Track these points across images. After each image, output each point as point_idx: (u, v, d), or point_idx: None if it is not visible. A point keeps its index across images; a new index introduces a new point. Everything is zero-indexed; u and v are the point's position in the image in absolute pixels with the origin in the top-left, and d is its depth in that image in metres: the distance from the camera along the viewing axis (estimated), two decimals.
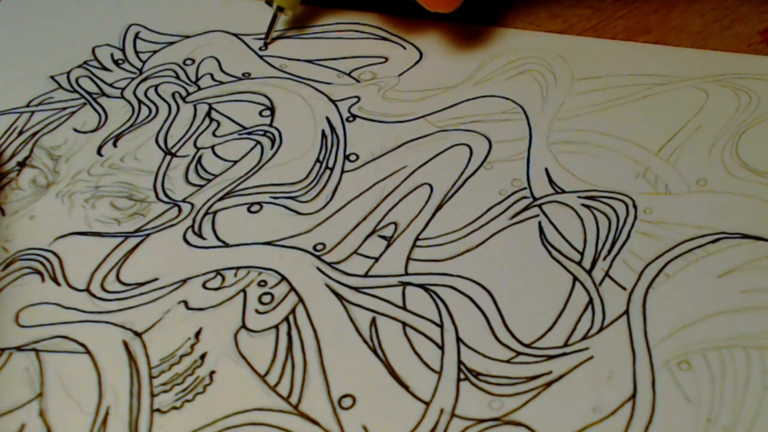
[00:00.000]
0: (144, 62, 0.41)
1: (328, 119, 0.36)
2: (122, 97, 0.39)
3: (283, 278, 0.30)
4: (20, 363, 0.28)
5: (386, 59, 0.39)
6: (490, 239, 0.31)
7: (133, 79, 0.40)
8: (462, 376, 0.26)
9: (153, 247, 0.32)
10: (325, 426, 0.26)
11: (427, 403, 0.26)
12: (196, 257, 0.31)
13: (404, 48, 0.40)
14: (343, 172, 0.34)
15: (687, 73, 0.36)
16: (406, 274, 0.30)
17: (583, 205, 0.31)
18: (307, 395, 0.27)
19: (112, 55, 0.41)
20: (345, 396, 0.26)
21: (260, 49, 0.40)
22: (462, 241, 0.31)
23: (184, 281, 0.30)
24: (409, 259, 0.30)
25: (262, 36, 0.41)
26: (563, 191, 0.32)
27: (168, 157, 0.35)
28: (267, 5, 0.40)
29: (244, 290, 0.30)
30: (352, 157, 0.34)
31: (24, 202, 0.34)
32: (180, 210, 0.33)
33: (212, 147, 0.36)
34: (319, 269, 0.30)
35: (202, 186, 0.34)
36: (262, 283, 0.30)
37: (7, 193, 0.34)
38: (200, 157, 0.35)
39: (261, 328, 0.29)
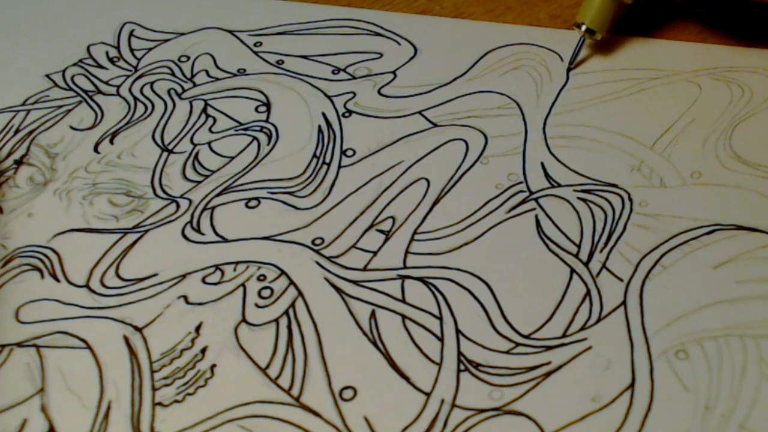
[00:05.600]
0: (139, 60, 0.41)
1: (324, 115, 0.36)
2: (118, 94, 0.39)
3: (283, 272, 0.30)
4: (21, 359, 0.28)
5: (381, 55, 0.39)
6: (488, 232, 0.31)
7: (128, 76, 0.40)
8: (462, 367, 0.27)
9: (152, 242, 0.32)
10: (327, 417, 0.26)
11: (428, 394, 0.26)
12: (195, 252, 0.31)
13: (399, 44, 0.40)
14: (340, 167, 0.34)
15: (680, 66, 0.36)
16: (405, 267, 0.30)
17: (579, 198, 0.32)
18: (309, 387, 0.27)
19: (107, 53, 0.41)
20: (346, 388, 0.27)
21: (568, 70, 0.37)
22: (460, 234, 0.31)
23: (184, 276, 0.30)
24: (407, 252, 0.30)
25: (259, 33, 0.41)
26: (559, 185, 0.32)
27: (165, 154, 0.36)
28: (576, 27, 0.37)
29: (243, 284, 0.30)
30: (349, 152, 0.35)
31: (22, 199, 0.34)
32: (178, 206, 0.33)
33: (209, 143, 0.36)
34: (318, 263, 0.30)
35: (199, 182, 0.34)
36: (262, 278, 0.30)
37: (4, 191, 0.35)
38: (197, 154, 0.35)
39: (261, 322, 0.29)
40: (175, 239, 0.32)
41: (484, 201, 0.32)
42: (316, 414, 0.26)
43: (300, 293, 0.29)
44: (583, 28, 0.36)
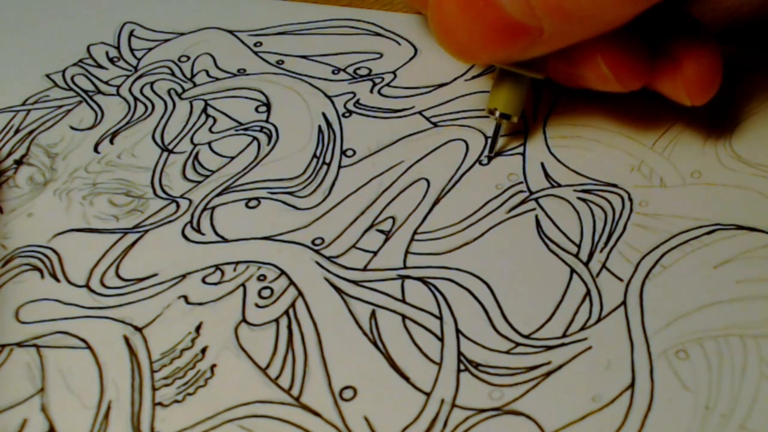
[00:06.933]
0: (139, 60, 0.41)
1: (324, 115, 0.36)
2: (118, 94, 0.39)
3: (283, 272, 0.30)
4: (21, 359, 0.28)
5: (381, 55, 0.39)
6: (488, 233, 0.31)
7: (128, 76, 0.40)
8: (462, 367, 0.27)
9: (152, 242, 0.32)
10: (327, 417, 0.26)
11: (428, 394, 0.26)
12: (195, 252, 0.31)
13: (399, 44, 0.40)
14: (340, 167, 0.34)
15: None
16: (405, 267, 0.30)
17: (579, 198, 0.32)
18: (309, 387, 0.27)
19: (107, 53, 0.42)
20: (346, 388, 0.27)
21: (481, 162, 0.33)
22: (460, 234, 0.31)
23: (184, 276, 0.30)
24: (407, 252, 0.30)
25: (259, 33, 0.41)
26: (559, 185, 0.32)
27: (165, 154, 0.36)
28: (489, 114, 0.33)
29: (243, 284, 0.30)
30: (349, 153, 0.35)
31: (22, 199, 0.34)
32: (178, 206, 0.33)
33: (209, 143, 0.36)
34: (318, 263, 0.30)
35: (199, 182, 0.34)
36: (262, 278, 0.30)
37: (4, 191, 0.35)
38: (197, 154, 0.35)
39: (261, 322, 0.29)
40: (175, 239, 0.32)
41: (484, 201, 0.32)
42: (316, 414, 0.26)
43: (300, 293, 0.29)
44: (497, 113, 0.33)
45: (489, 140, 0.33)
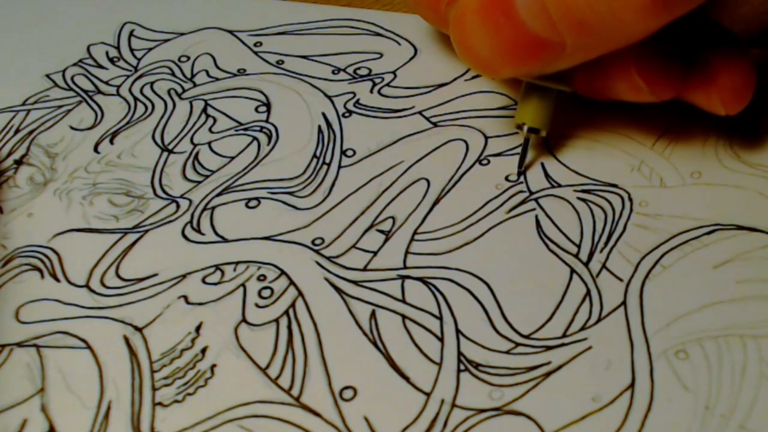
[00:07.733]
0: (139, 60, 0.41)
1: (324, 115, 0.36)
2: (118, 94, 0.39)
3: (283, 272, 0.30)
4: (21, 359, 0.28)
5: (381, 55, 0.39)
6: (488, 233, 0.31)
7: (128, 76, 0.40)
8: (462, 367, 0.27)
9: (152, 242, 0.32)
10: (327, 417, 0.26)
11: (428, 394, 0.26)
12: (195, 252, 0.31)
13: (399, 44, 0.40)
14: (340, 167, 0.34)
15: None
16: (405, 267, 0.30)
17: (579, 198, 0.32)
18: (309, 387, 0.27)
19: (107, 53, 0.42)
20: (346, 388, 0.27)
21: (512, 178, 0.33)
22: (460, 234, 0.31)
23: (184, 276, 0.30)
24: (407, 252, 0.30)
25: (259, 33, 0.41)
26: (559, 185, 0.32)
27: (165, 154, 0.36)
28: (517, 129, 0.33)
29: (243, 285, 0.30)
30: (349, 153, 0.35)
31: (22, 199, 0.34)
32: (178, 206, 0.33)
33: (209, 143, 0.36)
34: (318, 263, 0.30)
35: (199, 182, 0.34)
36: (262, 278, 0.30)
37: (4, 191, 0.35)
38: (197, 154, 0.35)
39: (261, 322, 0.29)
40: (175, 239, 0.32)
41: (484, 201, 0.32)
42: (316, 414, 0.26)
43: (300, 293, 0.29)
44: (525, 128, 0.32)
45: (519, 155, 0.33)
